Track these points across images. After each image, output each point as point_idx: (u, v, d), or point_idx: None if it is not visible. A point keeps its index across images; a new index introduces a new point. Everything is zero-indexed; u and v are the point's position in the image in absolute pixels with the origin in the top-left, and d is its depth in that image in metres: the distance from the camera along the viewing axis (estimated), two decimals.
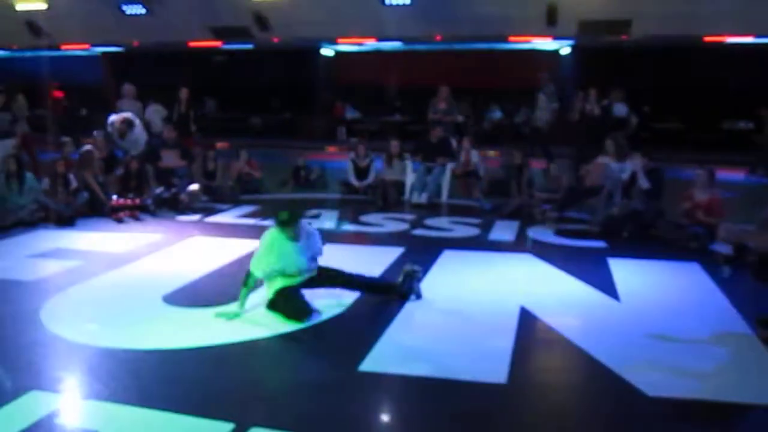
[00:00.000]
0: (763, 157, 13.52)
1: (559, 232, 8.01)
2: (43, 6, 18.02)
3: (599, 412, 3.66)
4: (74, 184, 8.68)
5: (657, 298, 5.59)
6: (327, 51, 20.47)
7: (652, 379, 3.88)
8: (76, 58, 20.90)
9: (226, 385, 3.96)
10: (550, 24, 15.97)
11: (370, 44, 18.67)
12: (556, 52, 18.49)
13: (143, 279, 6.10)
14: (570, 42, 17.41)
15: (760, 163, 13.48)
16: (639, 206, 7.82)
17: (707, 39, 15.93)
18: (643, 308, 5.28)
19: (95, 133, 10.19)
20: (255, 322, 4.84)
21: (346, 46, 19.32)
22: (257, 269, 4.97)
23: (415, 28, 17.01)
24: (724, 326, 4.96)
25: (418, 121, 16.11)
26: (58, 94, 16.31)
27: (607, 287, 5.73)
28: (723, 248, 6.49)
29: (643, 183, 7.79)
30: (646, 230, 7.63)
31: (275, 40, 18.58)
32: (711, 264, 6.36)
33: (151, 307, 5.20)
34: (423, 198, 10.03)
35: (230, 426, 3.32)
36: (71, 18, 18.03)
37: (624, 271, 6.28)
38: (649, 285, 5.98)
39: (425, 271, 5.97)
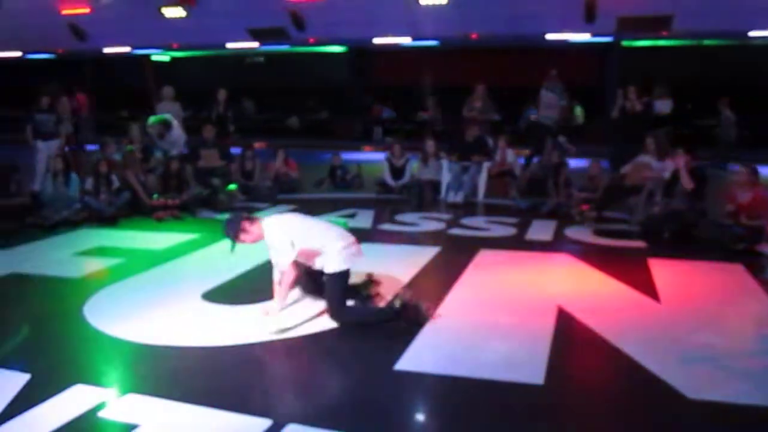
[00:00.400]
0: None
1: (598, 232, 7.90)
2: (86, 10, 18.50)
3: (638, 414, 3.60)
4: (116, 184, 8.90)
5: (698, 299, 5.46)
6: (362, 50, 20.50)
7: (692, 382, 3.81)
8: (118, 60, 21.34)
9: (264, 382, 4.02)
10: (588, 21, 15.73)
11: (406, 44, 18.62)
12: (594, 49, 18.19)
13: (183, 277, 6.23)
14: (609, 39, 17.11)
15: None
16: (681, 206, 7.62)
17: (752, 34, 15.50)
18: (684, 309, 5.16)
19: (132, 125, 10.54)
20: (293, 320, 4.88)
21: (382, 46, 19.29)
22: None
23: (451, 27, 16.93)
24: None
25: (453, 121, 16.02)
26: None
27: (647, 288, 5.63)
28: None
29: (686, 183, 7.53)
30: (688, 230, 7.40)
31: (311, 40, 18.69)
32: (756, 265, 6.20)
33: (190, 305, 5.30)
34: (459, 197, 9.99)
35: (268, 422, 3.36)
36: (113, 21, 18.48)
37: (664, 271, 6.15)
38: (691, 286, 5.84)
39: (460, 270, 5.97)
